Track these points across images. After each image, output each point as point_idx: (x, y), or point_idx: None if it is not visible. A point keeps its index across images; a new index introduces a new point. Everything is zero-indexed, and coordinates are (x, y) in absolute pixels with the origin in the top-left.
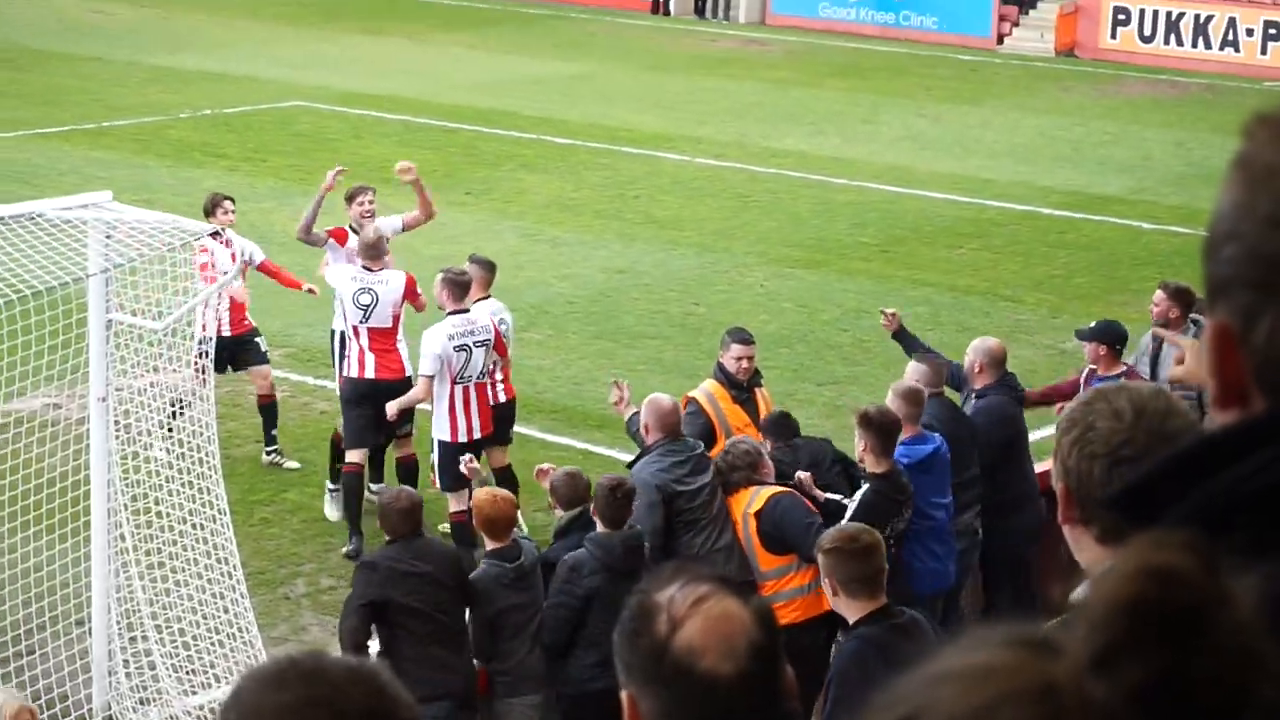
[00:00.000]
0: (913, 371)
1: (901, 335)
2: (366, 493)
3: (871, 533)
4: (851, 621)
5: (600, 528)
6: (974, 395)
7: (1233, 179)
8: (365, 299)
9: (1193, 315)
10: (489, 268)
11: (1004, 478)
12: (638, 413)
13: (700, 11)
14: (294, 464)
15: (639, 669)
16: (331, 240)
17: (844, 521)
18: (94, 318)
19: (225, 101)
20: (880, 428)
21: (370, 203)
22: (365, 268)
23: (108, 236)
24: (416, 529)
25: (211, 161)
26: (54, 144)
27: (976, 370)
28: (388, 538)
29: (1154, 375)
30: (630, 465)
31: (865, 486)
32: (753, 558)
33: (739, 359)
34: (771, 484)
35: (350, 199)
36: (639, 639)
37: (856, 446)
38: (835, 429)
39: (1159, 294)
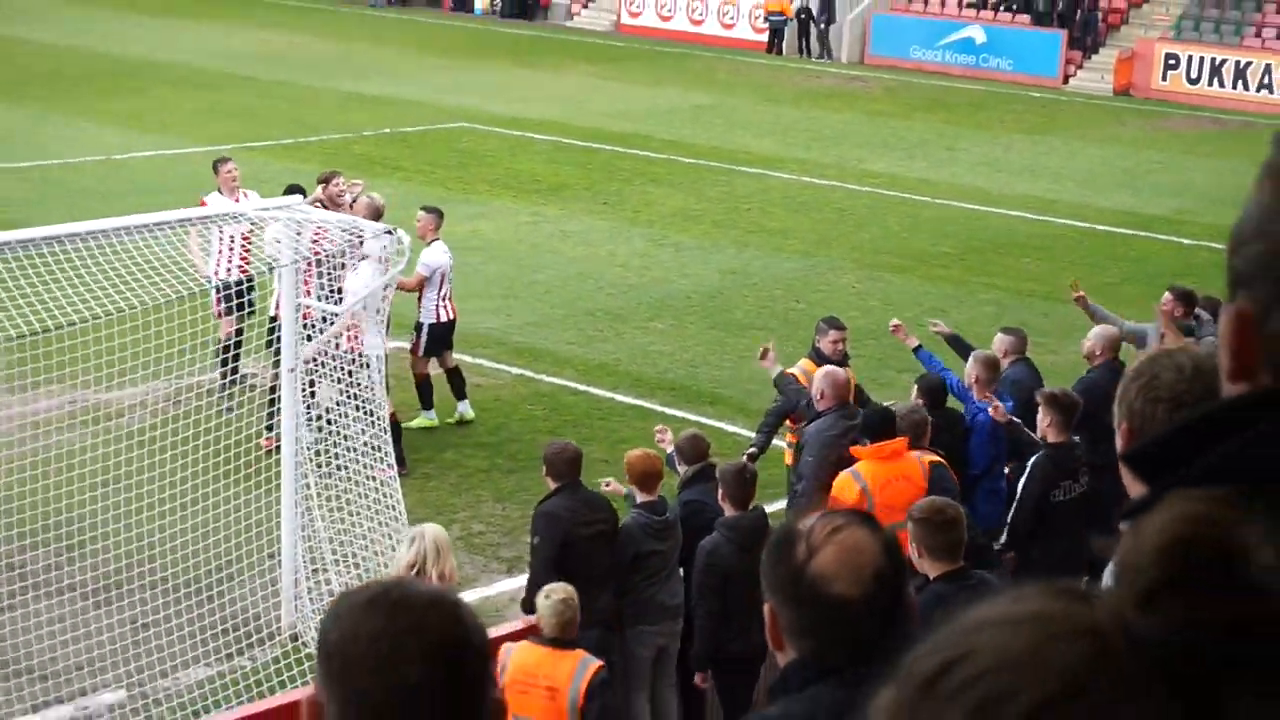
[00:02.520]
0: (999, 342)
1: (954, 341)
2: None
3: (955, 507)
4: (931, 578)
5: (729, 510)
6: (1087, 371)
7: (1261, 184)
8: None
9: (1196, 312)
10: (440, 214)
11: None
12: (784, 371)
13: (807, 52)
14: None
15: (779, 588)
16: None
17: (1023, 480)
18: (285, 301)
19: (401, 122)
20: (1064, 407)
21: (341, 184)
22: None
23: (298, 233)
24: (578, 476)
25: (389, 173)
26: (257, 156)
27: (1099, 351)
28: (555, 485)
29: None
30: (807, 424)
31: (1040, 454)
32: None
33: (834, 342)
34: (927, 449)
35: (325, 181)
36: (781, 562)
37: (1040, 422)
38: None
39: (1167, 295)
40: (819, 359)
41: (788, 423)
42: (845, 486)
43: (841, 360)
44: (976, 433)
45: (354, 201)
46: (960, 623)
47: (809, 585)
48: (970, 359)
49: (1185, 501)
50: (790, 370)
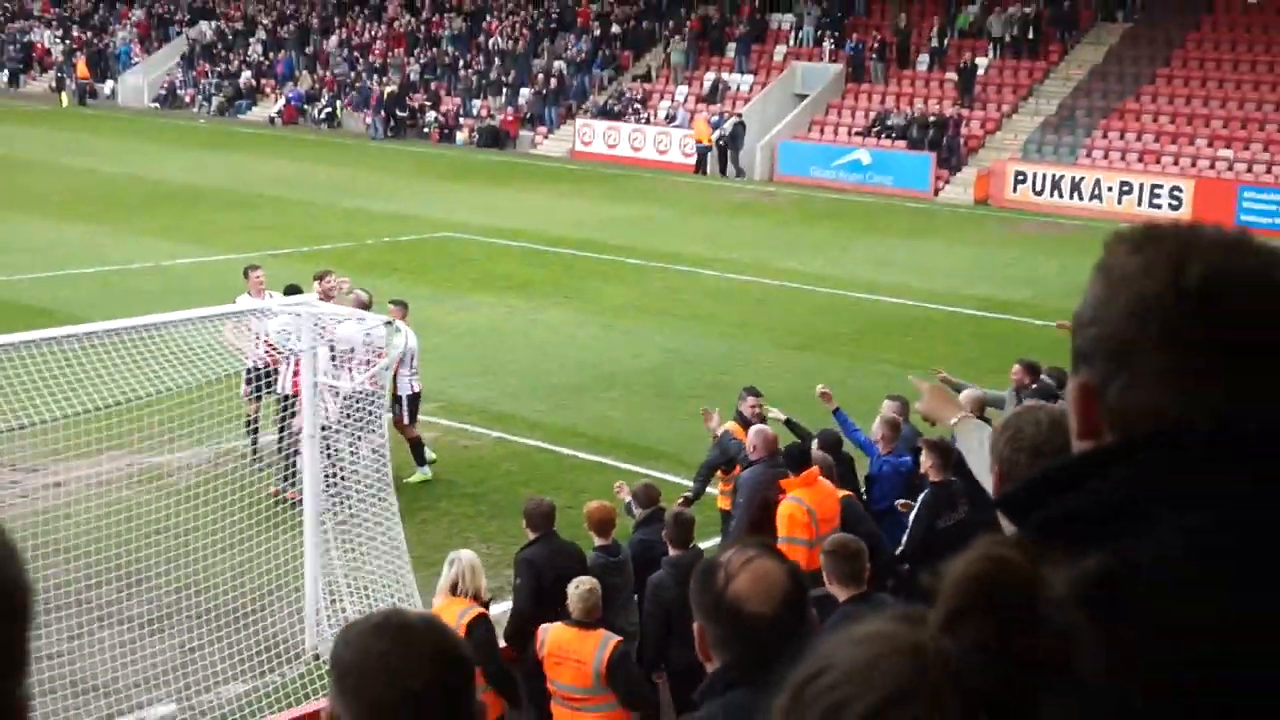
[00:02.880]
0: (889, 407)
1: (837, 414)
2: None
3: (858, 542)
4: (841, 600)
5: (671, 550)
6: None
7: (1096, 279)
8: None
9: (1043, 378)
10: (405, 305)
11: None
12: (728, 431)
13: (726, 172)
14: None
15: (704, 609)
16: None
17: (912, 513)
18: (305, 379)
19: (398, 232)
20: (943, 451)
21: (332, 280)
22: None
23: (315, 324)
24: (552, 526)
25: (389, 273)
26: (281, 260)
27: (969, 410)
28: (533, 535)
29: None
30: (742, 471)
31: (927, 490)
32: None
33: (753, 406)
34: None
35: (320, 278)
36: (705, 588)
37: (924, 464)
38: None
39: (1016, 366)
40: (741, 420)
41: (719, 473)
42: (793, 510)
43: (760, 421)
44: (880, 480)
45: (343, 295)
46: (831, 639)
47: (728, 606)
48: (877, 421)
49: (989, 544)
50: (725, 426)
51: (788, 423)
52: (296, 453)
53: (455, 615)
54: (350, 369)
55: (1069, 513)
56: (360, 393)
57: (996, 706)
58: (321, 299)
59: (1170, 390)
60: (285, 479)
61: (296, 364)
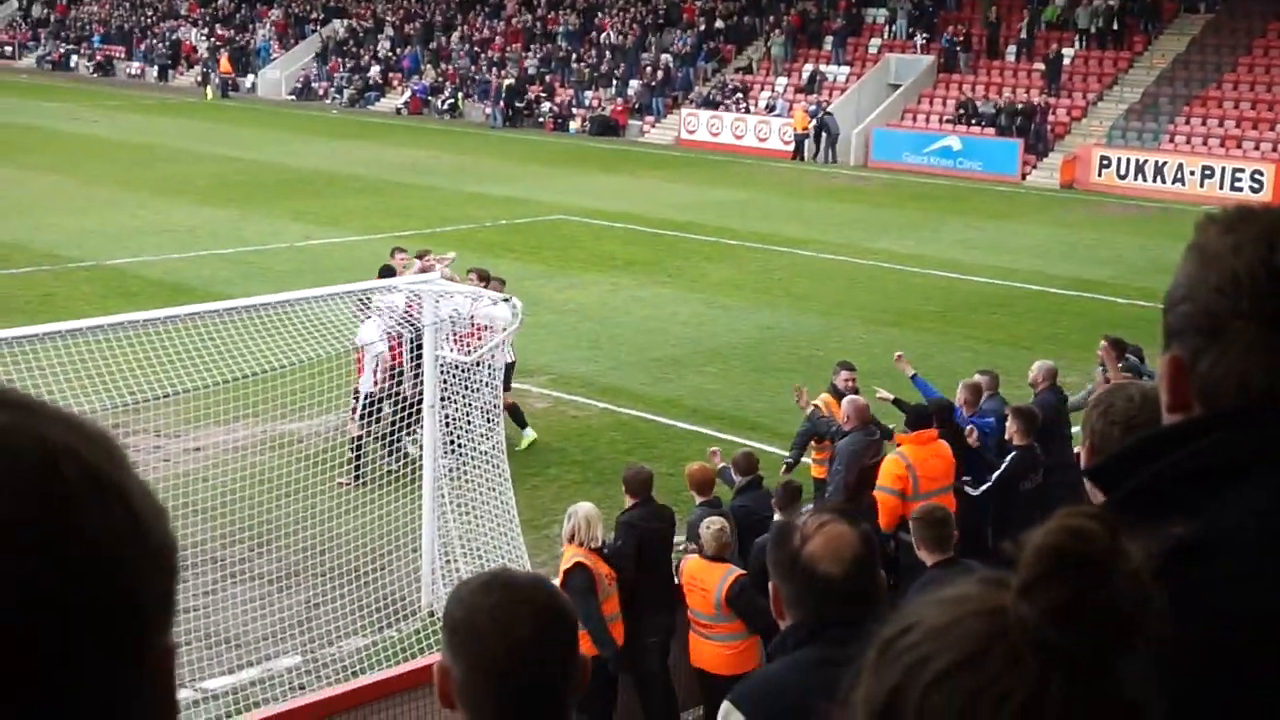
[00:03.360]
0: (980, 380)
1: (915, 379)
2: None
3: (944, 509)
4: (928, 565)
5: (778, 515)
6: (1034, 396)
7: (1188, 258)
8: None
9: (1127, 355)
10: (487, 278)
11: (1052, 447)
12: (816, 407)
13: (822, 158)
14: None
15: (780, 569)
16: None
17: (998, 472)
18: (428, 353)
19: (514, 215)
20: (1028, 417)
21: (431, 258)
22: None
23: (437, 301)
24: (649, 492)
25: (505, 253)
26: (407, 240)
27: (1040, 380)
28: (631, 500)
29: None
30: (838, 436)
31: (1013, 453)
32: None
33: (846, 380)
34: None
35: (420, 256)
36: (780, 548)
37: (1009, 429)
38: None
39: (1103, 343)
40: (835, 393)
41: (813, 443)
42: (893, 463)
43: (854, 393)
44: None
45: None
46: (918, 600)
47: (802, 566)
48: (960, 386)
49: (1069, 514)
50: (815, 402)
51: (895, 402)
52: (402, 424)
53: (562, 568)
54: (466, 342)
55: (1157, 481)
56: (474, 364)
57: (1071, 667)
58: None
59: (1258, 363)
60: (390, 452)
61: (396, 341)
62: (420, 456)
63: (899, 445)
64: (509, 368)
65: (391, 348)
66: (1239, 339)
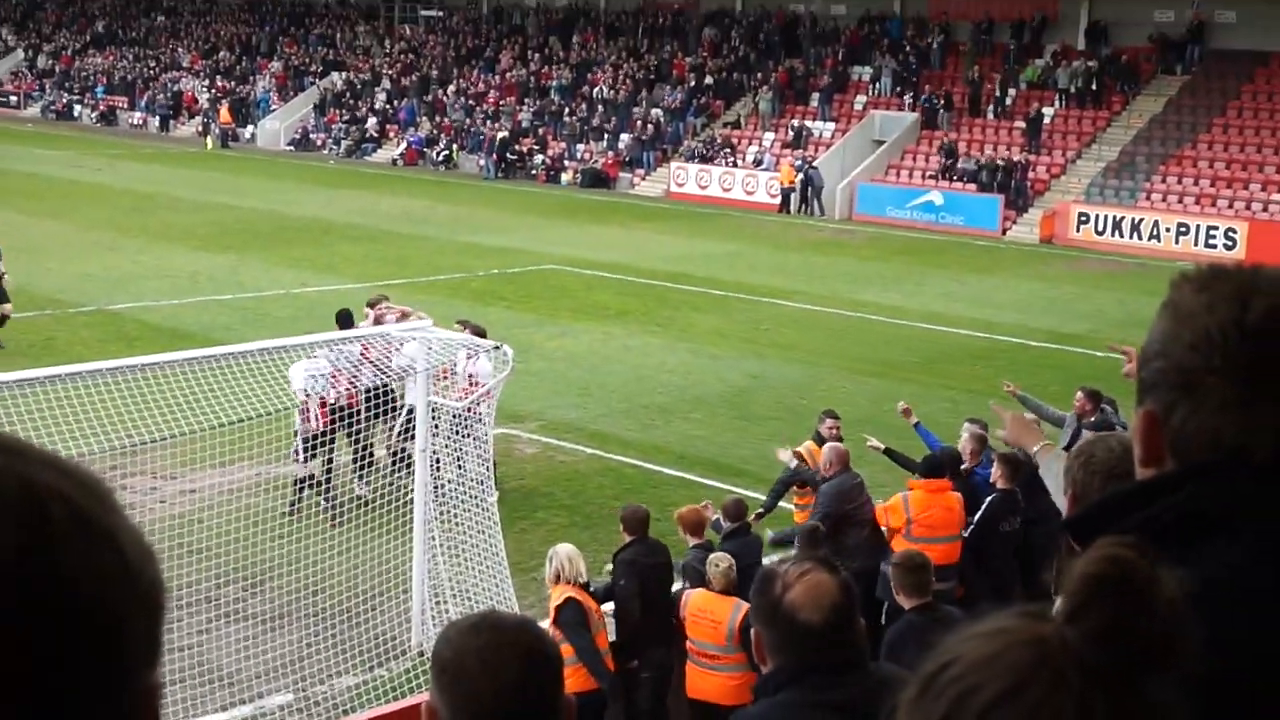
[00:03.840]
0: (973, 429)
1: (918, 428)
2: None
3: (923, 555)
4: (906, 609)
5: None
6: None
7: (1163, 315)
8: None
9: (1101, 405)
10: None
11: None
12: (799, 454)
13: (808, 212)
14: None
15: (761, 615)
16: None
17: (980, 512)
18: (420, 399)
19: (507, 265)
20: (1013, 464)
21: (384, 307)
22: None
23: (429, 348)
24: (646, 531)
25: (498, 302)
26: (396, 290)
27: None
28: (629, 537)
29: (1069, 447)
30: (821, 483)
31: (994, 495)
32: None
33: (830, 428)
34: None
35: (373, 305)
36: (763, 595)
37: (994, 473)
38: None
39: (1079, 394)
40: (819, 440)
41: (795, 489)
42: (894, 504)
43: (838, 440)
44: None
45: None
46: (957, 636)
47: (783, 613)
48: (965, 436)
49: (1105, 545)
50: (798, 449)
51: (887, 451)
52: (366, 455)
53: (553, 604)
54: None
55: (1138, 530)
56: (463, 412)
57: (1112, 686)
58: (374, 324)
59: (1230, 420)
60: (325, 493)
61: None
62: (370, 498)
63: (910, 489)
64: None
65: (349, 393)
66: (1211, 395)
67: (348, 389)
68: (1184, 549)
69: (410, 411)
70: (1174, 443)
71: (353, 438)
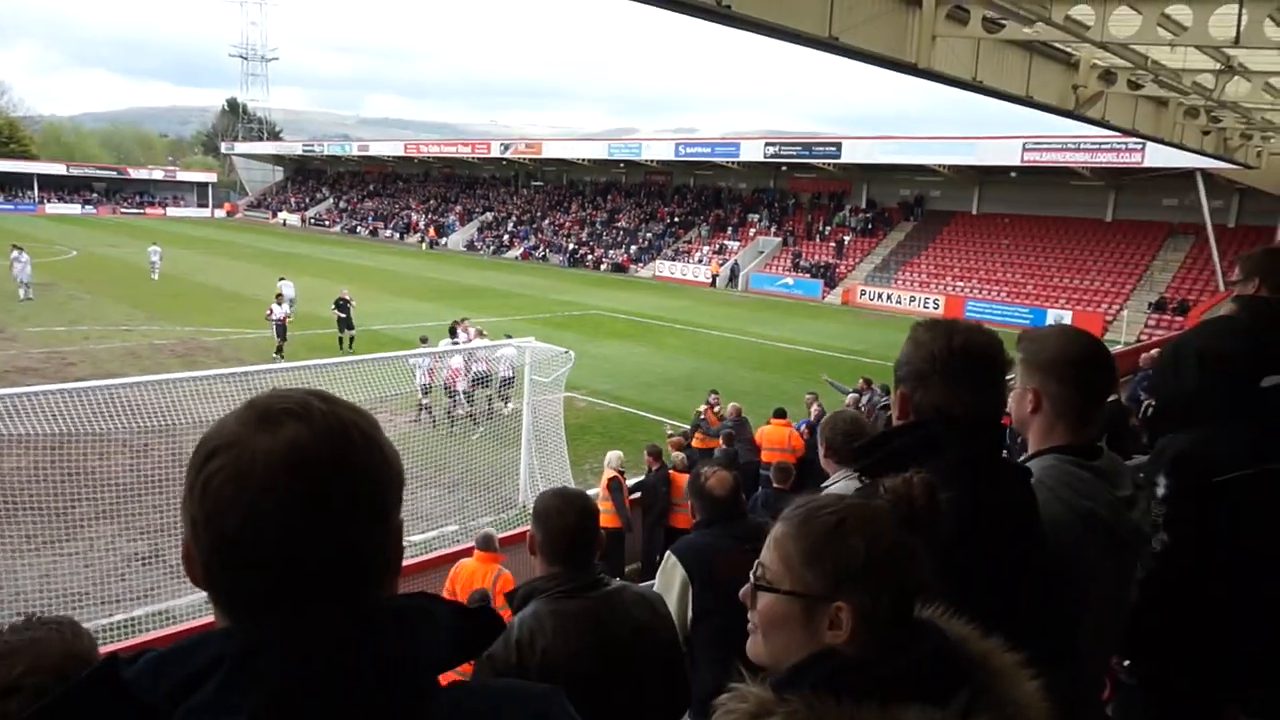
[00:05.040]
0: (810, 399)
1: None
2: None
3: (784, 461)
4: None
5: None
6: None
7: (908, 342)
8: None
9: (872, 386)
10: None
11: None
12: (699, 412)
13: (733, 286)
14: None
15: (692, 490)
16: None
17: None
18: (527, 379)
19: (571, 310)
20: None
21: (467, 324)
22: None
23: (531, 351)
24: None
25: (567, 329)
26: (518, 322)
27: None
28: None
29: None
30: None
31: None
32: None
33: (714, 399)
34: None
35: (459, 323)
36: (693, 481)
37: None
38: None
39: (860, 380)
40: (710, 404)
41: (699, 434)
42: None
43: (714, 405)
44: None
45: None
46: (823, 496)
47: (703, 489)
48: (808, 397)
49: (906, 476)
50: (699, 409)
51: (829, 381)
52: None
53: (604, 480)
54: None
55: (893, 452)
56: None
57: (900, 533)
58: (469, 337)
59: (943, 396)
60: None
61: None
62: (491, 417)
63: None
64: (507, 380)
65: (456, 370)
66: (934, 384)
67: (451, 371)
68: (920, 460)
69: (503, 381)
70: (915, 409)
71: (472, 393)
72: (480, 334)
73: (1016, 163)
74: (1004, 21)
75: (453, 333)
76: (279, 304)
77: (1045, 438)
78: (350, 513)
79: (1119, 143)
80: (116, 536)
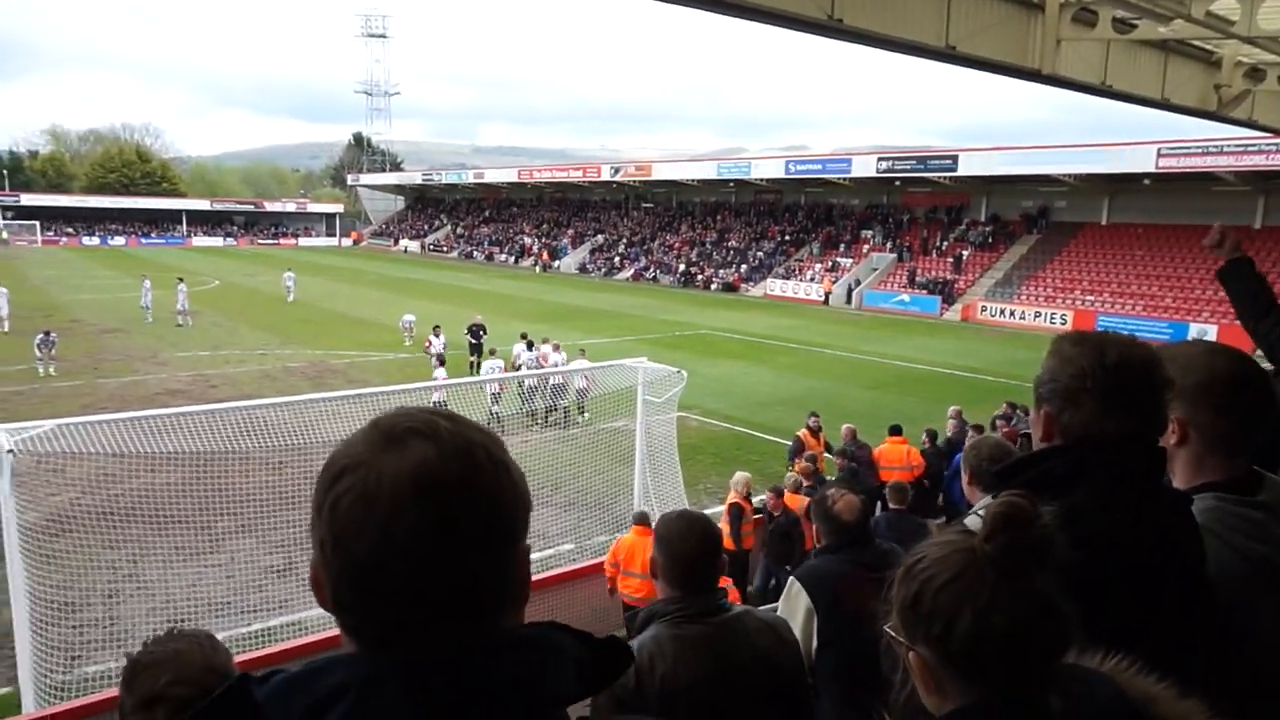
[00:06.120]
0: (951, 409)
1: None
2: None
3: (901, 481)
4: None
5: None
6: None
7: (1051, 358)
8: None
9: (1016, 410)
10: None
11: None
12: (798, 436)
13: (849, 301)
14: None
15: (818, 512)
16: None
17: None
18: (640, 398)
19: (683, 330)
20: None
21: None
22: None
23: (644, 371)
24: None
25: (678, 349)
26: (628, 342)
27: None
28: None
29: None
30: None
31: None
32: None
33: (814, 421)
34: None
35: (544, 341)
36: (819, 505)
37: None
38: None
39: (1004, 404)
40: (810, 430)
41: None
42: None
43: (818, 429)
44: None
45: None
46: (922, 544)
47: (831, 514)
48: (949, 413)
49: (1005, 495)
50: (798, 433)
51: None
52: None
53: (727, 502)
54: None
55: (1037, 478)
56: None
57: (1012, 577)
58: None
59: (1096, 417)
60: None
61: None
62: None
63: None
64: (582, 391)
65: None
66: (1085, 403)
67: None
68: (1065, 489)
69: (579, 392)
70: (1063, 431)
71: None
72: (557, 349)
73: (1151, 169)
74: (1136, 21)
75: (530, 346)
76: (436, 336)
77: (1196, 473)
78: (478, 538)
79: (1269, 144)
80: (255, 549)
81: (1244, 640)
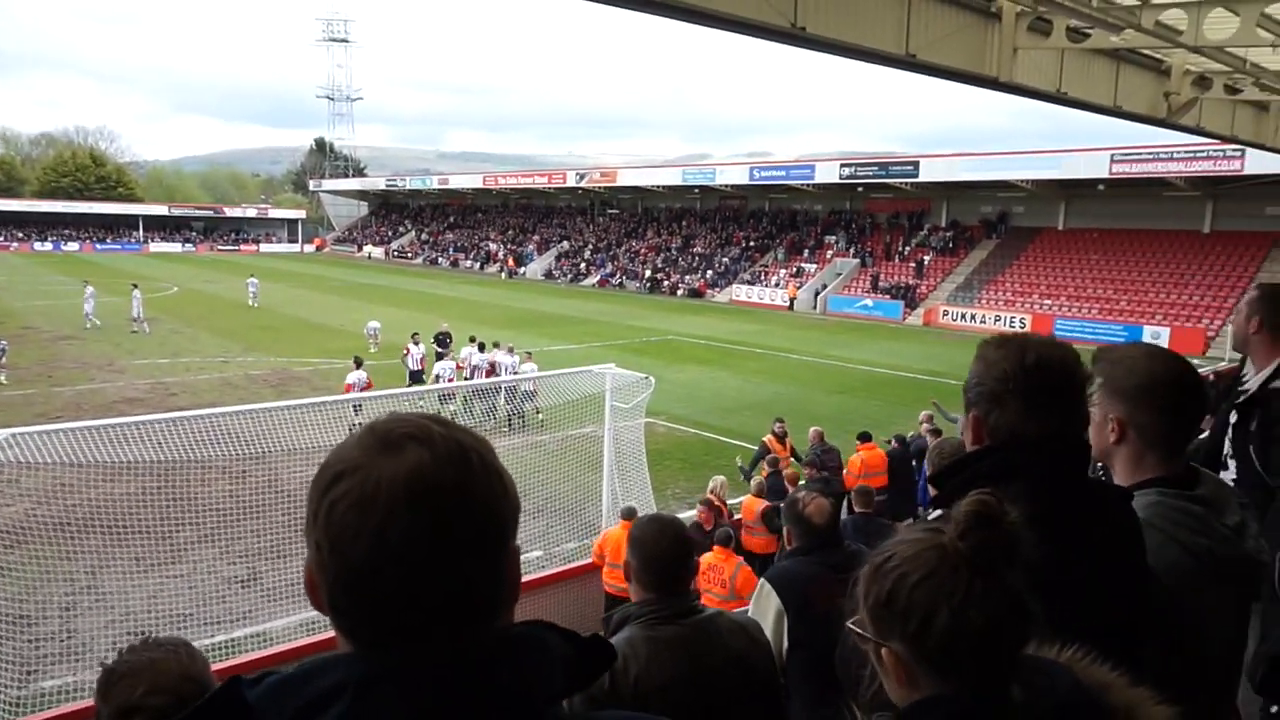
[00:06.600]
0: (923, 413)
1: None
2: None
3: (866, 485)
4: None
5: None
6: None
7: (977, 362)
8: None
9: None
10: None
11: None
12: (764, 442)
13: (814, 306)
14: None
15: (788, 515)
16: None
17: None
18: (608, 404)
19: (649, 336)
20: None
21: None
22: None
23: (611, 378)
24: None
25: (644, 355)
26: (599, 348)
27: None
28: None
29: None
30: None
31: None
32: None
33: (779, 427)
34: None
35: (510, 350)
36: (791, 507)
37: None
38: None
39: (932, 401)
40: (776, 435)
41: (764, 462)
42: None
43: (784, 434)
44: None
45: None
46: (891, 540)
47: (801, 517)
48: (921, 416)
49: (976, 494)
50: (764, 439)
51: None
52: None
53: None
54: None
55: (970, 479)
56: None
57: (984, 573)
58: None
59: (1020, 418)
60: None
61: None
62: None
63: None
64: (527, 394)
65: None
66: (1009, 405)
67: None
68: (996, 485)
69: (526, 395)
70: (991, 433)
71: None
72: (510, 352)
73: (1104, 175)
74: (1089, 30)
75: (481, 348)
76: (415, 344)
77: (1136, 470)
78: (471, 543)
79: (1216, 150)
80: (217, 560)
81: (1190, 630)
